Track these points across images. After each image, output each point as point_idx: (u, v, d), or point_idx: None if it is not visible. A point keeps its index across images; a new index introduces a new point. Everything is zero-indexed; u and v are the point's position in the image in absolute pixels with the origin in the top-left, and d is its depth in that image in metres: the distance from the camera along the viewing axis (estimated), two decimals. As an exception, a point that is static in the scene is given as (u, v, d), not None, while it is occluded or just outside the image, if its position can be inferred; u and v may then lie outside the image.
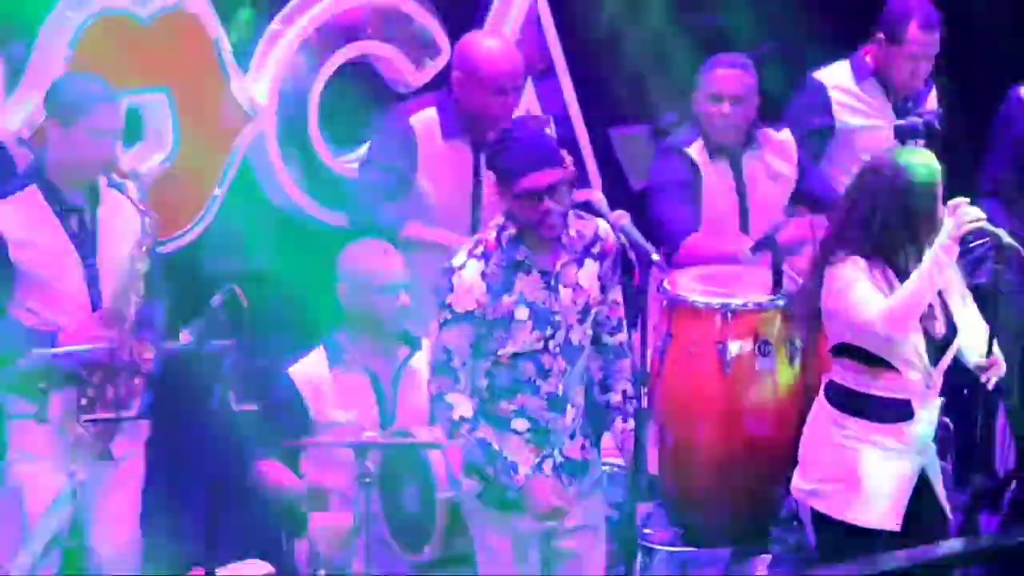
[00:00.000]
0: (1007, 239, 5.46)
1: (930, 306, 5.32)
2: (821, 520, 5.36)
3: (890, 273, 5.25)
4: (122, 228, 5.60)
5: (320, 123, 6.54)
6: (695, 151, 6.49)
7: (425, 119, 6.14)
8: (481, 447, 5.16)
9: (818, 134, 6.71)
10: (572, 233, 5.09)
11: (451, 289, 5.05)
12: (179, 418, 5.88)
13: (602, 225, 5.24)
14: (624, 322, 5.36)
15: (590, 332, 5.16)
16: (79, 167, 5.50)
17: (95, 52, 6.05)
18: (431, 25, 6.64)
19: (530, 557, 5.27)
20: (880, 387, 5.21)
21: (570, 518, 5.24)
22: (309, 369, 5.73)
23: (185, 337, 5.38)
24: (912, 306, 5.28)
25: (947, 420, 6.17)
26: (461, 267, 5.05)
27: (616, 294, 5.27)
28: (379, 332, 5.76)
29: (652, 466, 5.86)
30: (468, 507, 5.30)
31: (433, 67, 6.66)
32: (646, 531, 5.93)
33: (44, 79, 5.92)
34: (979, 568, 5.42)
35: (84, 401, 5.49)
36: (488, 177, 5.48)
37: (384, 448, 5.47)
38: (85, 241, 5.51)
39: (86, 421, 5.46)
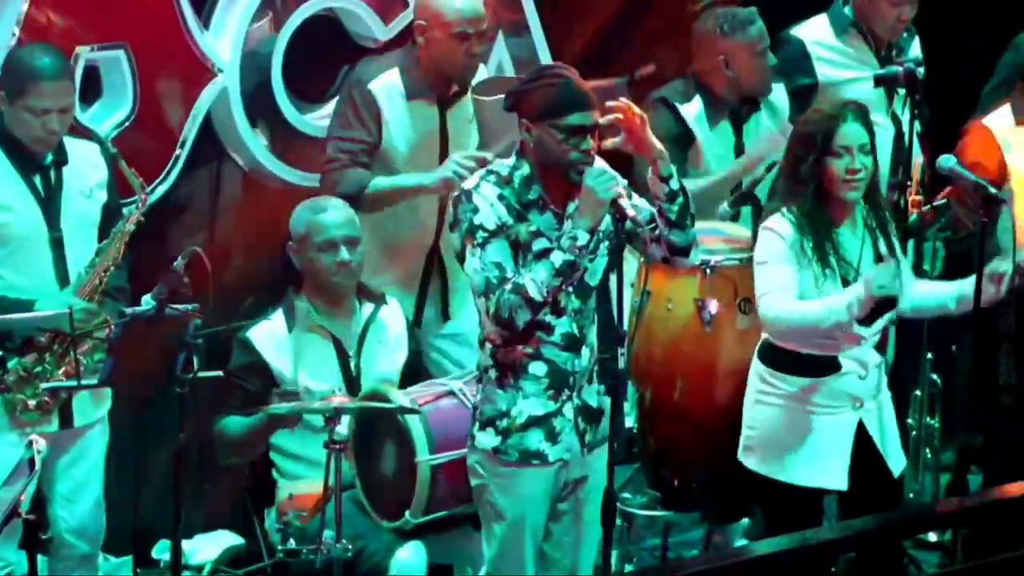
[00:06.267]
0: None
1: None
2: (758, 479, 5.34)
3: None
4: (86, 189, 5.62)
5: (285, 80, 6.49)
6: (692, 108, 6.46)
7: (386, 84, 6.17)
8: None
9: (802, 92, 6.67)
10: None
11: (475, 210, 4.98)
12: (142, 385, 5.92)
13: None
14: None
15: (600, 273, 5.14)
16: (24, 142, 5.58)
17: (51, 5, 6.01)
18: (398, -22, 6.72)
19: (539, 521, 5.21)
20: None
21: (575, 469, 5.20)
22: (269, 331, 5.75)
23: (146, 302, 5.34)
24: (798, 327, 5.31)
25: (935, 377, 6.42)
26: (476, 187, 5.00)
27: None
28: (331, 291, 5.74)
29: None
30: (481, 469, 5.18)
31: (400, 22, 6.58)
32: (625, 495, 5.97)
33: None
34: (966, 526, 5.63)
35: (42, 368, 5.44)
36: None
37: (356, 413, 5.38)
38: (51, 203, 5.53)
39: (44, 388, 5.44)
